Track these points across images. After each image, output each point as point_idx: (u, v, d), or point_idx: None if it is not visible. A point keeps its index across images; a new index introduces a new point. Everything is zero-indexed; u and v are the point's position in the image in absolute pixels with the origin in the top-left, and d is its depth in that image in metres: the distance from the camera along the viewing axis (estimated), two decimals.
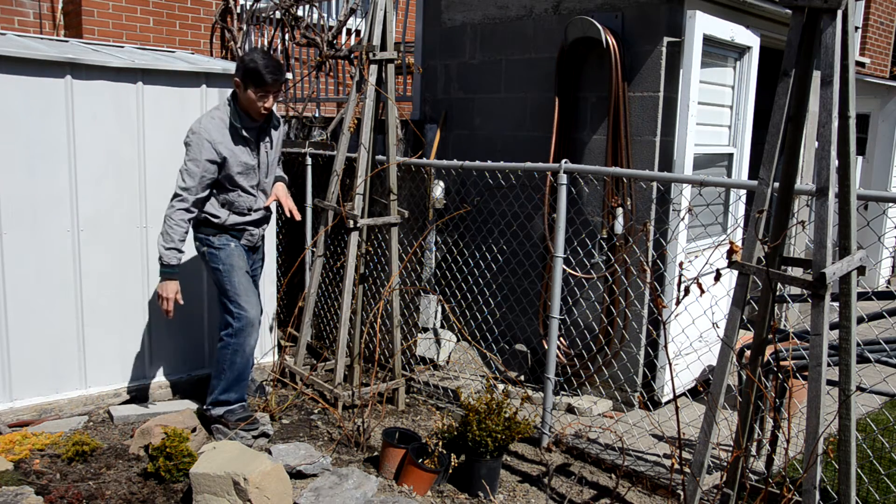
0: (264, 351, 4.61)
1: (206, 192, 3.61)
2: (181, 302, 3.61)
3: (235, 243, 3.74)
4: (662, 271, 4.11)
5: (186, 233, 3.56)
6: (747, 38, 4.52)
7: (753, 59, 4.64)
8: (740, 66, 4.65)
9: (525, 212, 4.61)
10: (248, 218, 3.77)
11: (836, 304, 2.42)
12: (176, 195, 3.53)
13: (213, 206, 3.68)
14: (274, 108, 3.73)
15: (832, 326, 2.61)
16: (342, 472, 3.28)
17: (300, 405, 4.31)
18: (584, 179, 4.34)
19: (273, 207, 4.07)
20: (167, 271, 3.55)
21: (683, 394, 4.52)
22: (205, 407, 3.81)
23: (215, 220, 3.68)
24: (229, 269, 3.68)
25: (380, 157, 4.42)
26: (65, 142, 3.81)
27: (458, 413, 4.15)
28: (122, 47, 4.67)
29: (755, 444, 3.28)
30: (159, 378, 4.28)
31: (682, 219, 3.93)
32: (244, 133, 3.63)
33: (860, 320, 2.76)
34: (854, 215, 2.35)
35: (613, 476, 3.60)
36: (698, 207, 3.87)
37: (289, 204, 3.87)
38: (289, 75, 6.73)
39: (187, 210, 3.53)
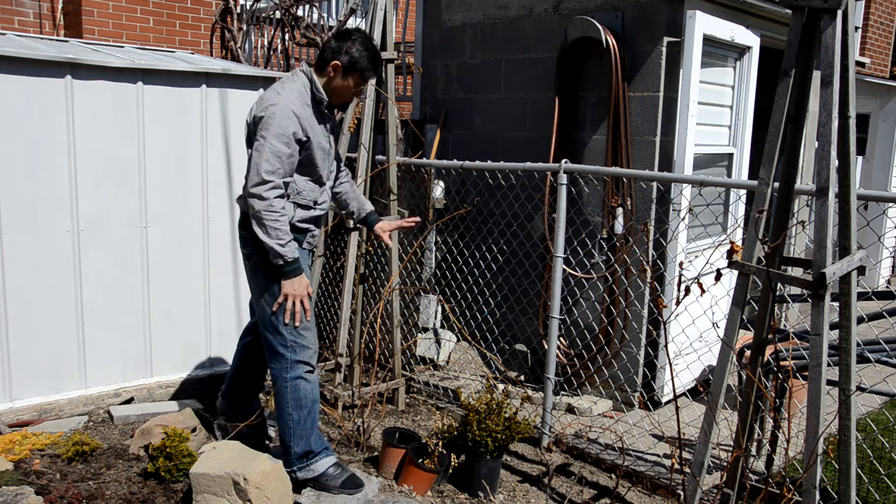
0: None
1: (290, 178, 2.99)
2: (313, 297, 3.13)
3: (299, 251, 3.08)
4: (662, 271, 4.11)
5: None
6: (747, 38, 4.52)
7: (753, 59, 4.64)
8: (740, 66, 4.65)
9: (525, 212, 4.61)
10: (312, 213, 3.14)
11: (836, 304, 2.42)
12: (263, 181, 2.85)
13: None
14: None
15: (832, 326, 2.62)
16: None
17: None
18: (584, 179, 4.34)
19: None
20: (292, 267, 2.96)
21: (683, 394, 4.52)
22: (288, 471, 3.10)
23: None
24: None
25: (380, 157, 4.42)
26: (65, 142, 3.81)
27: (458, 413, 4.15)
28: (122, 47, 4.67)
29: (755, 444, 3.28)
30: (159, 378, 4.28)
31: (683, 219, 3.94)
32: (325, 109, 3.11)
33: (860, 320, 2.76)
34: (854, 215, 2.35)
35: (613, 476, 3.60)
36: (698, 207, 3.87)
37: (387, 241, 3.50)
38: None
39: (282, 195, 2.93)
